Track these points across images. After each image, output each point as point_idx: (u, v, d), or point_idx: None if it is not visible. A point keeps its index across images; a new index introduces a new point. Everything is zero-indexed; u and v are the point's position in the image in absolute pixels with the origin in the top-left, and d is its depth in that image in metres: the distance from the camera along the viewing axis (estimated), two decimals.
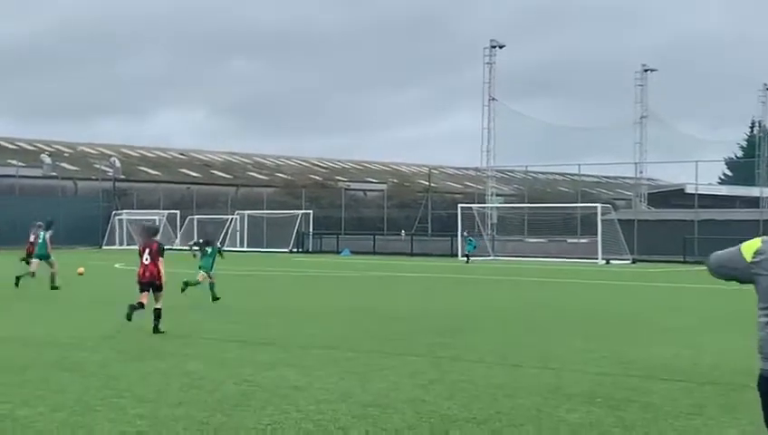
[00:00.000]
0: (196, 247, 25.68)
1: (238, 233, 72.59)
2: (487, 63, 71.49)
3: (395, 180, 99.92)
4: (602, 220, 56.71)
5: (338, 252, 64.86)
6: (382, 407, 9.77)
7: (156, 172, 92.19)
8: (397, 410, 9.62)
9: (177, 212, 73.78)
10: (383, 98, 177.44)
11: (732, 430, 8.83)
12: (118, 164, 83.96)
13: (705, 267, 5.43)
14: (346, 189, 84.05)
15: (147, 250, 16.92)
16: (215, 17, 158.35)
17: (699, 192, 65.34)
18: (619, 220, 59.20)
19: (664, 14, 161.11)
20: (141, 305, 16.76)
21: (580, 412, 9.58)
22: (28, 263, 29.39)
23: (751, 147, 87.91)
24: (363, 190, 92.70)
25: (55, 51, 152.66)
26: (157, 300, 16.73)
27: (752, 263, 5.11)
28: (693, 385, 11.37)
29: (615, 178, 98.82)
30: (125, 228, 73.92)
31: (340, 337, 16.12)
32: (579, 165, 72.23)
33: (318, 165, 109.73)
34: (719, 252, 5.34)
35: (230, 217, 73.24)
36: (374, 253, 63.94)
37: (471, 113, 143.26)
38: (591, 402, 10.14)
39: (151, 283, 16.77)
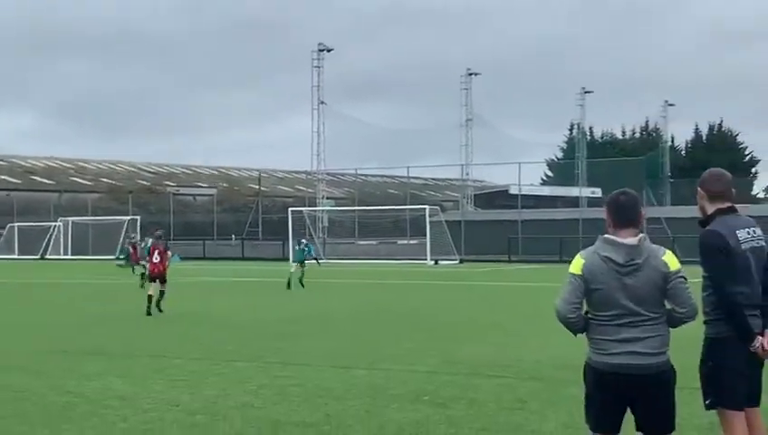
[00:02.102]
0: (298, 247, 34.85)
1: (62, 240, 70.51)
2: (316, 67, 71.73)
3: (225, 185, 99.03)
4: (430, 222, 57.69)
5: None
6: (211, 414, 9.68)
7: None
8: (225, 416, 9.55)
9: None
10: (215, 101, 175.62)
11: (552, 422, 9.12)
12: None
13: (564, 324, 5.78)
14: (175, 194, 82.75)
15: (156, 251, 23.02)
16: (39, 16, 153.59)
17: (522, 193, 67.23)
18: (446, 221, 60.30)
19: (490, 19, 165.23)
20: (150, 298, 22.11)
21: (407, 411, 9.73)
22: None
23: (571, 149, 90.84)
24: (192, 195, 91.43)
25: None
26: (162, 286, 22.54)
27: (583, 275, 5.65)
28: (516, 381, 11.69)
29: (443, 180, 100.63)
30: None
31: (167, 345, 15.88)
32: (407, 167, 73.32)
33: (145, 169, 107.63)
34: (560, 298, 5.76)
35: (53, 224, 71.08)
36: (204, 258, 63.20)
37: (302, 117, 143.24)
38: (419, 401, 10.31)
39: (159, 275, 22.62)
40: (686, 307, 5.60)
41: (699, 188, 6.31)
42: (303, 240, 46.53)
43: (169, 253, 23.74)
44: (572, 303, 5.67)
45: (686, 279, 5.65)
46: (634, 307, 5.58)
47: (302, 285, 32.04)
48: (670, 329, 5.72)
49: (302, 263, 33.47)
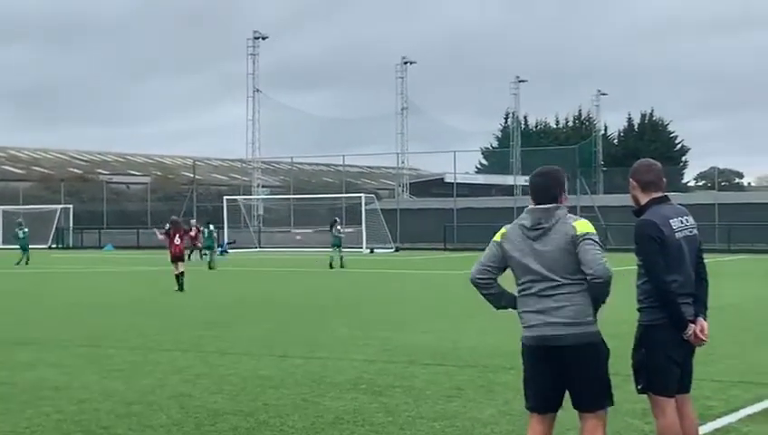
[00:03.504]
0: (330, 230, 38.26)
1: None
2: (251, 55, 71.35)
3: (158, 173, 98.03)
4: (366, 210, 57.76)
5: (100, 247, 63.10)
6: (147, 404, 9.61)
7: None
8: (162, 406, 9.49)
9: None
10: (151, 89, 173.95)
11: (489, 409, 9.21)
12: None
13: (473, 284, 6.04)
14: (108, 183, 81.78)
15: (176, 234, 26.30)
16: None
17: (458, 181, 67.58)
18: (382, 210, 60.47)
19: (425, 7, 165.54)
20: (180, 274, 25.38)
21: (344, 400, 9.75)
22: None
23: (506, 137, 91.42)
24: (126, 183, 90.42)
25: None
26: (181, 266, 25.73)
27: (501, 243, 5.89)
28: (453, 368, 11.77)
29: (378, 168, 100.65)
30: None
31: (102, 335, 15.71)
32: (343, 156, 73.22)
33: (77, 158, 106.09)
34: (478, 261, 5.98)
35: None
36: (138, 247, 62.58)
37: (238, 105, 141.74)
38: (356, 389, 10.34)
39: (179, 256, 25.97)
40: (592, 268, 5.62)
41: (631, 179, 6.40)
42: (211, 226, 45.96)
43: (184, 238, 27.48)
44: (484, 265, 5.93)
45: (594, 242, 5.68)
46: (546, 272, 5.71)
47: (342, 266, 36.32)
48: (596, 302, 5.77)
49: (338, 246, 37.32)
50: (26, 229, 45.41)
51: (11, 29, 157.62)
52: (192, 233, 40.12)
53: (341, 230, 38.84)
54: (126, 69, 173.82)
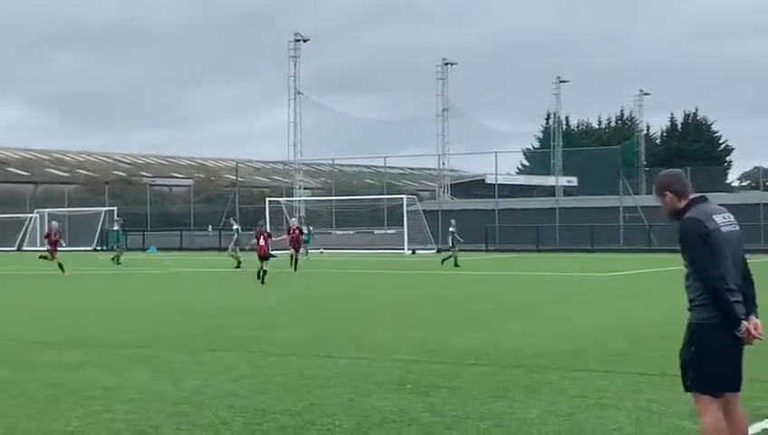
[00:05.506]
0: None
1: (39, 232, 70.18)
2: (292, 57, 71.65)
3: (201, 175, 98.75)
4: (408, 211, 57.81)
5: (144, 249, 63.62)
6: (195, 404, 9.72)
7: None
8: (210, 406, 9.59)
9: None
10: (194, 93, 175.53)
11: (535, 410, 9.21)
12: None
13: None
14: (151, 185, 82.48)
15: (261, 237, 30.10)
16: (33, 10, 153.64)
17: (499, 182, 67.43)
18: (423, 211, 60.47)
19: (467, 10, 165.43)
20: (263, 271, 28.57)
21: (390, 400, 9.80)
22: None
23: (547, 138, 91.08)
24: (169, 186, 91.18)
25: None
26: (265, 265, 28.93)
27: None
28: (497, 369, 11.78)
29: (420, 169, 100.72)
30: None
31: (149, 336, 15.87)
32: (384, 157, 73.32)
33: (121, 160, 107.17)
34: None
35: (29, 215, 70.78)
36: (181, 249, 63.10)
37: (280, 108, 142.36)
38: (401, 389, 10.38)
39: (264, 255, 29.30)
40: None
41: (667, 192, 6.39)
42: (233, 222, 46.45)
43: (270, 240, 31.11)
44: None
45: None
46: None
47: (457, 265, 38.32)
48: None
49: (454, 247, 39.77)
50: (116, 228, 47.38)
51: (61, 37, 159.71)
52: (293, 234, 40.70)
53: (455, 231, 40.03)
54: (171, 74, 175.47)
